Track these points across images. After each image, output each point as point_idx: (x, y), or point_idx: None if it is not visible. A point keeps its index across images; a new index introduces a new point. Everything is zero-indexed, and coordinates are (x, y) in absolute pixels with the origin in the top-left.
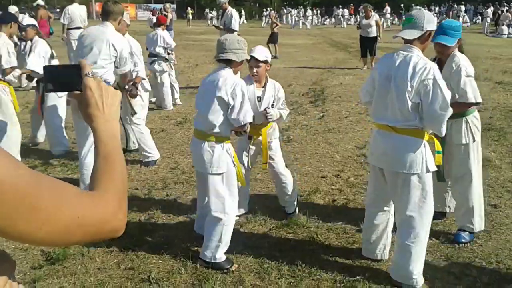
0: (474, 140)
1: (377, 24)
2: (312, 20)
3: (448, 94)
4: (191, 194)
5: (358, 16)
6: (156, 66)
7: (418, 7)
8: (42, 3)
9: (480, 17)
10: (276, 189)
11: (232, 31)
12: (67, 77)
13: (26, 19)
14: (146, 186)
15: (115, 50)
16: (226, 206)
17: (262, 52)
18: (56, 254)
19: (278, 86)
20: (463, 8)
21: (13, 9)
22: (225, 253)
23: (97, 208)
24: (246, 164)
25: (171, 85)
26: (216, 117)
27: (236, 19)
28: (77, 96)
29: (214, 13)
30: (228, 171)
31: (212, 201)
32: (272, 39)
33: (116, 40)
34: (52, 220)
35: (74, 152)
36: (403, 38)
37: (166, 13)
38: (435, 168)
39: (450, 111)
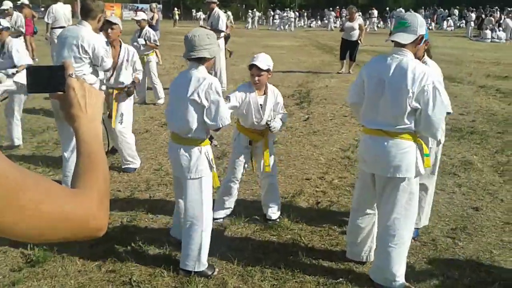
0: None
1: (360, 28)
2: (294, 22)
3: (446, 99)
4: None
5: (343, 19)
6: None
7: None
8: (27, 1)
9: (464, 21)
10: (262, 194)
11: (220, 31)
12: (50, 77)
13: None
14: (129, 188)
15: (86, 50)
16: (203, 211)
17: (264, 61)
18: (36, 256)
19: (277, 92)
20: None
21: (7, 4)
22: (208, 256)
23: (81, 205)
24: (243, 169)
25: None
26: (191, 120)
27: (223, 19)
28: (60, 96)
29: (203, 14)
30: (205, 175)
31: (189, 207)
32: (226, 40)
33: (88, 40)
34: (35, 214)
35: (57, 154)
36: (397, 42)
37: (152, 13)
38: (424, 172)
39: (445, 116)
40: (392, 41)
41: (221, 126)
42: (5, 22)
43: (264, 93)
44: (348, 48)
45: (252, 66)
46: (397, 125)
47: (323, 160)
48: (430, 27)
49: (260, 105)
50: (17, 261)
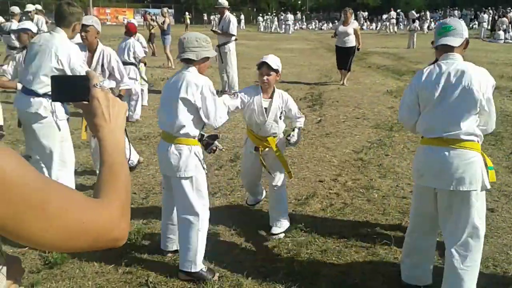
0: None
1: (355, 33)
2: (294, 25)
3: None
4: None
5: (335, 23)
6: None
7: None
8: (40, 7)
9: (476, 23)
10: (269, 206)
11: (230, 35)
12: (74, 87)
13: (21, 23)
14: (144, 190)
15: (60, 62)
16: (198, 211)
17: (274, 61)
18: (54, 258)
19: (286, 97)
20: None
21: (30, 7)
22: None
23: (102, 215)
24: (258, 175)
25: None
26: (183, 118)
27: (234, 23)
28: (84, 106)
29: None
30: (196, 174)
31: (183, 207)
32: (150, 39)
33: (62, 50)
34: (57, 223)
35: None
36: (446, 46)
37: (164, 18)
38: (489, 186)
39: None
40: (440, 46)
41: (219, 124)
42: (14, 25)
43: (270, 97)
44: (343, 56)
45: (262, 65)
46: (460, 129)
47: (336, 162)
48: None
49: (265, 108)
50: (35, 263)
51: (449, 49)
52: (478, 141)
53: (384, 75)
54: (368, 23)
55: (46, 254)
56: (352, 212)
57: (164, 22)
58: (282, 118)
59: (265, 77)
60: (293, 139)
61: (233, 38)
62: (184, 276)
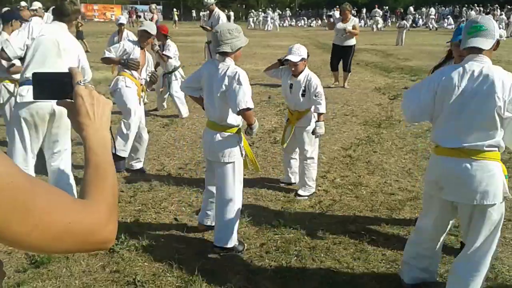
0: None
1: (354, 29)
2: (283, 22)
3: None
4: (177, 196)
5: (331, 18)
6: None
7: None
8: (40, 5)
9: (464, 19)
10: (299, 174)
11: None
12: (57, 84)
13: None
14: (132, 188)
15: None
16: (235, 193)
17: (297, 53)
18: (40, 257)
19: (311, 77)
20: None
21: (36, 4)
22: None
23: (89, 217)
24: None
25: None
26: (222, 108)
27: (223, 20)
28: (68, 104)
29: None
30: (237, 160)
31: (223, 189)
32: (78, 35)
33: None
34: (43, 224)
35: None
36: (475, 48)
37: (152, 14)
38: (510, 196)
39: None
40: (469, 48)
41: (239, 108)
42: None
43: (296, 76)
44: (341, 56)
45: (287, 61)
46: (483, 140)
47: (325, 159)
48: (431, 26)
49: (291, 84)
50: (21, 262)
51: (477, 50)
52: (498, 150)
53: (372, 72)
54: (357, 19)
55: (32, 253)
56: (341, 208)
57: (152, 18)
58: (306, 96)
59: (292, 68)
60: (318, 130)
61: (214, 30)
62: (220, 250)
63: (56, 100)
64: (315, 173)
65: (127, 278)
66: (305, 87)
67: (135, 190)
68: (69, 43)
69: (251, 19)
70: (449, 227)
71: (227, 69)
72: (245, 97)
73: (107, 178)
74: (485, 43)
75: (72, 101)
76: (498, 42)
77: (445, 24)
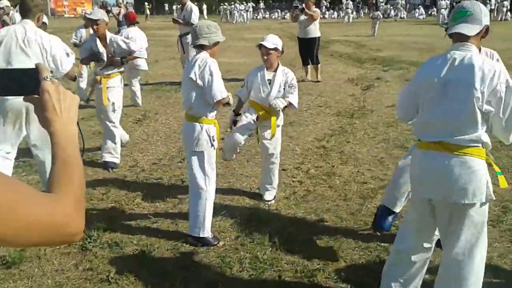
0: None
1: (312, 19)
2: (257, 14)
3: None
4: (151, 192)
5: (296, 11)
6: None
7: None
8: (6, 2)
9: (435, 9)
10: (261, 175)
11: (192, 25)
12: (23, 80)
13: None
14: (104, 185)
15: (45, 48)
16: (206, 182)
17: (271, 40)
18: (11, 257)
19: (288, 71)
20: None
21: (3, 3)
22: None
23: (55, 210)
24: (243, 141)
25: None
26: (191, 98)
27: (196, 13)
28: (34, 100)
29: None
30: (207, 149)
31: (194, 178)
32: None
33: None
34: (8, 218)
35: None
36: (460, 34)
37: (119, 8)
38: (494, 198)
39: None
40: (453, 34)
41: (216, 99)
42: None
43: (275, 71)
44: (307, 49)
45: (260, 46)
46: (463, 134)
47: (299, 150)
48: (402, 16)
49: (269, 80)
50: None
51: (463, 38)
52: (482, 147)
53: (345, 63)
54: (331, 11)
55: (3, 253)
56: (315, 199)
57: (119, 13)
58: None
59: (265, 57)
60: (274, 102)
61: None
62: (193, 240)
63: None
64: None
65: (101, 276)
66: (285, 80)
67: (108, 187)
68: (31, 37)
69: (222, 12)
70: (433, 237)
71: (199, 59)
72: (219, 87)
73: (74, 172)
74: (471, 29)
75: (39, 96)
76: (487, 28)
77: (416, 14)
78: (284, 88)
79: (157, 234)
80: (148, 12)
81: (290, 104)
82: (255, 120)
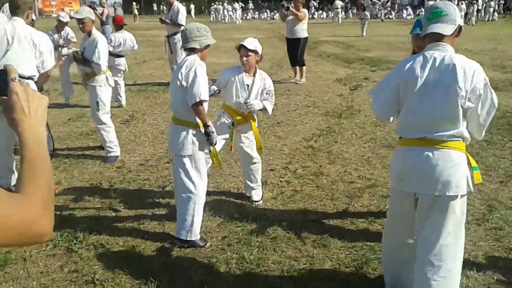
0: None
1: (298, 19)
2: (246, 14)
3: (495, 96)
4: (138, 193)
5: (285, 11)
6: None
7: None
8: None
9: (423, 9)
10: (243, 176)
11: (179, 25)
12: None
13: None
14: (91, 187)
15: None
16: (195, 186)
17: (251, 43)
18: None
19: (265, 76)
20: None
21: None
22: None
23: (22, 210)
24: (219, 148)
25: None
26: (179, 101)
27: (183, 13)
28: (3, 101)
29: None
30: (194, 153)
31: (181, 182)
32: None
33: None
34: None
35: None
36: (435, 34)
37: (103, 8)
38: (473, 189)
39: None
40: (429, 34)
41: (196, 100)
42: None
43: (253, 75)
44: (293, 49)
45: (240, 47)
46: (446, 130)
47: (287, 150)
48: (391, 16)
49: (247, 85)
50: None
51: (439, 37)
52: (462, 141)
53: (334, 63)
54: (321, 11)
55: None
56: (302, 199)
57: (102, 12)
58: (261, 95)
59: (244, 59)
60: (252, 101)
61: (182, 28)
62: (180, 243)
63: None
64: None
65: (86, 277)
66: (263, 86)
67: (94, 188)
68: (21, 33)
69: (212, 12)
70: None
71: (187, 62)
72: (200, 89)
73: (42, 173)
74: (446, 29)
75: (7, 97)
76: (460, 28)
77: (404, 15)
78: (261, 94)
79: (143, 235)
80: (136, 12)
81: (264, 109)
82: (231, 126)
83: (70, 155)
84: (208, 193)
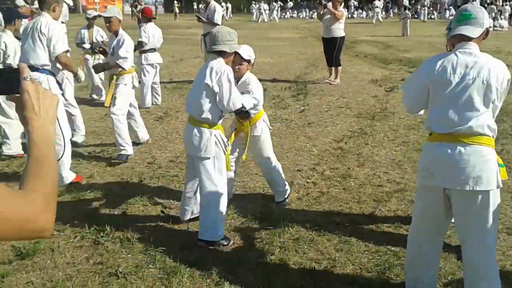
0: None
1: (335, 18)
2: (285, 13)
3: None
4: (166, 189)
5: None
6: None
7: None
8: (23, 2)
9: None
10: (267, 181)
11: (215, 24)
12: (6, 80)
13: None
14: (121, 181)
15: (43, 33)
16: (217, 187)
17: (247, 51)
18: (26, 249)
19: (252, 79)
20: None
21: (20, 2)
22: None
23: (22, 206)
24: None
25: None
26: (204, 103)
27: (220, 12)
28: (15, 98)
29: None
30: (216, 155)
31: (204, 183)
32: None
33: (46, 25)
34: None
35: None
36: (464, 36)
37: (141, 6)
38: (501, 185)
39: None
40: (457, 35)
41: (233, 109)
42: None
43: (237, 81)
44: (329, 49)
45: (235, 54)
46: (476, 125)
47: (316, 151)
48: (432, 17)
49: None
50: (7, 254)
51: (466, 39)
52: (493, 136)
53: (371, 64)
54: (360, 11)
55: (18, 245)
56: (328, 200)
57: (139, 10)
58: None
59: (236, 67)
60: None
61: (213, 29)
62: (204, 244)
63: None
64: (282, 173)
65: (110, 270)
66: (248, 86)
67: (124, 183)
68: (43, 27)
69: (253, 11)
70: (444, 228)
71: (216, 65)
72: (237, 98)
73: (47, 170)
74: (474, 31)
75: (20, 95)
76: (487, 31)
77: (447, 15)
78: (248, 92)
79: (168, 231)
80: (177, 10)
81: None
82: (233, 130)
83: (104, 150)
84: (234, 192)
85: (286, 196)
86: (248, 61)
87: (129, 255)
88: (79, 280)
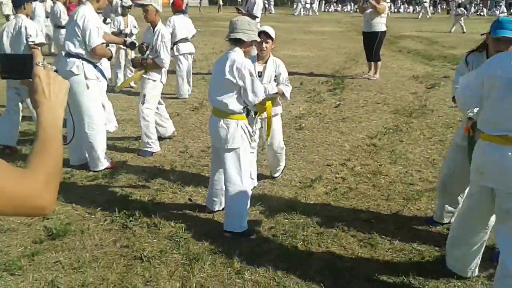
0: None
1: (377, 12)
2: (329, 7)
3: None
4: (196, 178)
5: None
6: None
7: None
8: None
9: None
10: (268, 160)
11: (254, 17)
12: (21, 65)
13: None
14: (153, 168)
15: (79, 24)
16: (243, 178)
17: (271, 30)
18: (57, 230)
19: (279, 62)
20: None
21: None
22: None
23: (23, 183)
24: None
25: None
26: (227, 96)
27: (260, 5)
28: (28, 83)
29: None
30: (243, 145)
31: (230, 175)
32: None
33: (82, 16)
34: None
35: None
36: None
37: None
38: None
39: None
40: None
41: (256, 101)
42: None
43: (265, 62)
44: (368, 44)
45: (261, 33)
46: None
47: (348, 147)
48: (482, 13)
49: (259, 72)
50: (39, 234)
51: None
52: None
53: (413, 60)
54: (406, 5)
55: (50, 225)
56: (355, 196)
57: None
58: (276, 81)
59: (264, 45)
60: (267, 84)
61: (257, 20)
62: (229, 234)
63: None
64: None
65: (135, 253)
66: (276, 71)
67: (156, 171)
68: (79, 17)
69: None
70: (489, 222)
71: (236, 59)
72: (261, 89)
73: (51, 151)
74: None
75: (32, 80)
76: None
77: (497, 12)
78: (276, 80)
79: (194, 219)
80: (221, 3)
81: (282, 94)
82: (253, 116)
83: (139, 139)
84: (262, 184)
85: (281, 172)
86: (272, 39)
87: (154, 240)
88: (105, 262)
